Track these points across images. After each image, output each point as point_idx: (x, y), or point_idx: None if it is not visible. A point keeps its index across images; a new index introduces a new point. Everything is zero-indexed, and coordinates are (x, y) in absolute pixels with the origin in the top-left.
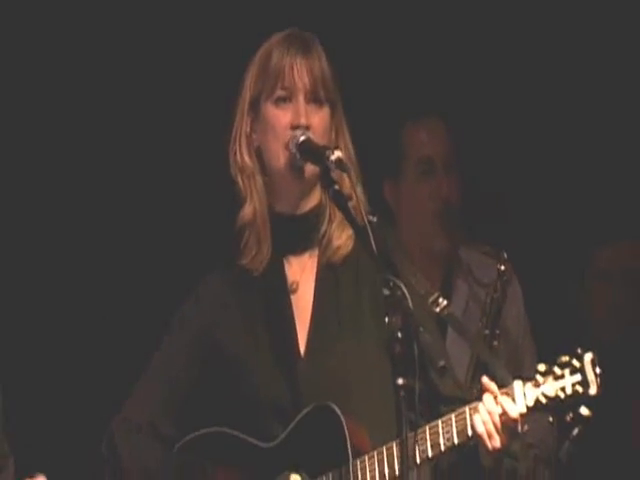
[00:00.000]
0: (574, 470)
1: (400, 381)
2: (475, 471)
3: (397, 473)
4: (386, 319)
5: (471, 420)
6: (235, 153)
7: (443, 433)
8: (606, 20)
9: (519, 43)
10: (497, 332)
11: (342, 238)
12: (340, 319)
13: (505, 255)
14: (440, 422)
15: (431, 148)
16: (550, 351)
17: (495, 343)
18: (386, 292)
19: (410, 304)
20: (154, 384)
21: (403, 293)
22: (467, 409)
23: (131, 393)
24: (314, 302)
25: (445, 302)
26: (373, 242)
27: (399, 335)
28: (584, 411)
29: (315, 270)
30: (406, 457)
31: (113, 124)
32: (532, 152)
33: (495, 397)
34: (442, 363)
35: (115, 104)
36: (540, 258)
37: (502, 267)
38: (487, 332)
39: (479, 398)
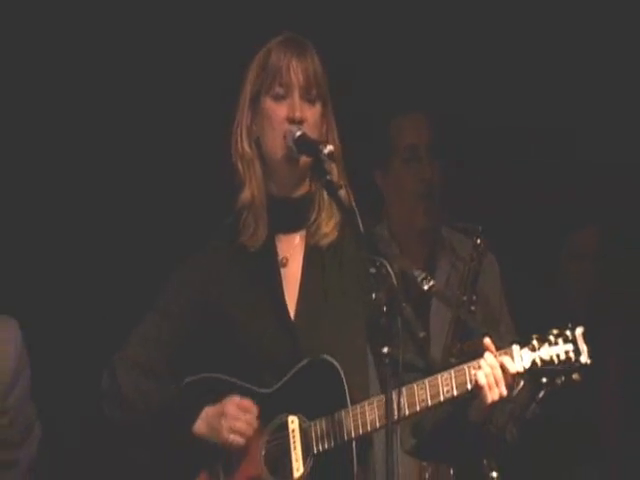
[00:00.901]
0: (538, 429)
1: (385, 349)
2: (460, 429)
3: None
4: (373, 295)
5: (470, 374)
6: (236, 142)
7: (443, 385)
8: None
9: (494, 43)
10: (474, 298)
11: (329, 226)
12: (325, 292)
13: (480, 229)
14: (440, 376)
15: (415, 137)
16: (528, 325)
17: (472, 308)
18: (372, 270)
19: (394, 281)
20: (155, 329)
21: (388, 271)
22: (466, 366)
23: (132, 332)
24: (302, 276)
25: (432, 282)
26: (360, 224)
27: (384, 309)
28: (576, 377)
29: (303, 250)
30: (390, 416)
31: (122, 119)
32: (511, 139)
33: (495, 356)
34: (423, 334)
35: (125, 99)
36: (522, 240)
37: (478, 240)
38: (465, 298)
39: (458, 362)
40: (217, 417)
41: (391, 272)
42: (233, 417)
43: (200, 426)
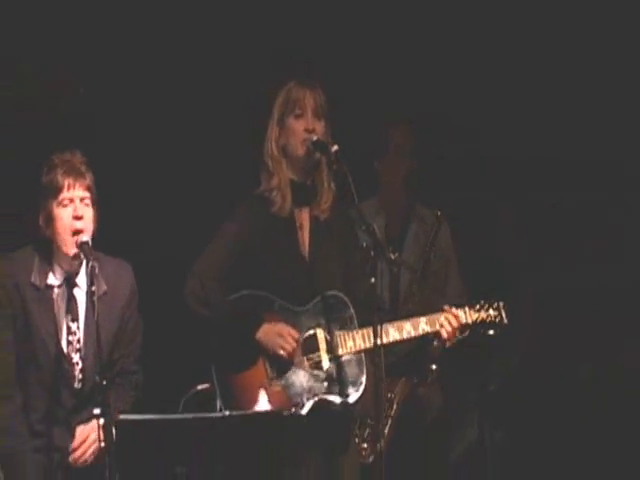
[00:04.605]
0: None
1: (372, 280)
2: (423, 355)
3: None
4: (364, 244)
5: (440, 321)
6: (268, 149)
7: (421, 323)
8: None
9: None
10: (433, 255)
11: (326, 204)
12: (326, 244)
13: (439, 212)
14: (420, 318)
15: (402, 139)
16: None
17: (432, 258)
18: (364, 228)
19: (378, 235)
20: (222, 257)
21: (374, 229)
22: (436, 315)
23: (205, 255)
24: (310, 236)
25: (397, 254)
26: (355, 197)
27: (372, 253)
28: (491, 332)
29: (309, 219)
30: (379, 334)
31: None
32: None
33: (455, 316)
34: (396, 269)
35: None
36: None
37: (438, 213)
38: (427, 255)
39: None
40: (274, 334)
41: (376, 230)
42: (286, 340)
43: (260, 335)
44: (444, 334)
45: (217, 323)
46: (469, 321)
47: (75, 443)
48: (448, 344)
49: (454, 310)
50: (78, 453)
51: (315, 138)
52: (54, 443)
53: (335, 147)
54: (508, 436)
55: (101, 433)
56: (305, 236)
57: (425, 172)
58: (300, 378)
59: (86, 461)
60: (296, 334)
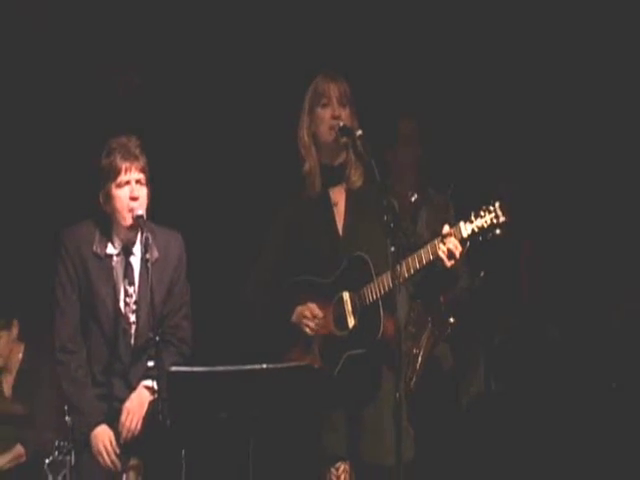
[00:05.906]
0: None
1: (392, 249)
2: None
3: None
4: (385, 217)
5: (438, 246)
6: (301, 137)
7: (424, 254)
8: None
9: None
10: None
11: (356, 175)
12: (359, 218)
13: (450, 193)
14: (422, 250)
15: (408, 130)
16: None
17: None
18: (384, 203)
19: (397, 209)
20: (268, 261)
21: (393, 203)
22: (436, 241)
23: (256, 264)
24: (345, 210)
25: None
26: (377, 175)
27: (391, 225)
28: (498, 232)
29: (344, 195)
30: (397, 278)
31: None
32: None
33: (451, 234)
34: (413, 239)
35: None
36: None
37: (450, 192)
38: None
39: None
40: (301, 315)
41: (395, 204)
42: (308, 319)
43: (293, 318)
44: (446, 253)
45: (264, 318)
46: (465, 235)
47: (120, 426)
48: (449, 264)
49: (451, 230)
50: (125, 432)
51: (341, 124)
52: (114, 392)
53: (359, 132)
54: (511, 387)
55: (140, 402)
56: (341, 211)
57: (434, 159)
58: (329, 344)
59: (134, 433)
60: (318, 311)
